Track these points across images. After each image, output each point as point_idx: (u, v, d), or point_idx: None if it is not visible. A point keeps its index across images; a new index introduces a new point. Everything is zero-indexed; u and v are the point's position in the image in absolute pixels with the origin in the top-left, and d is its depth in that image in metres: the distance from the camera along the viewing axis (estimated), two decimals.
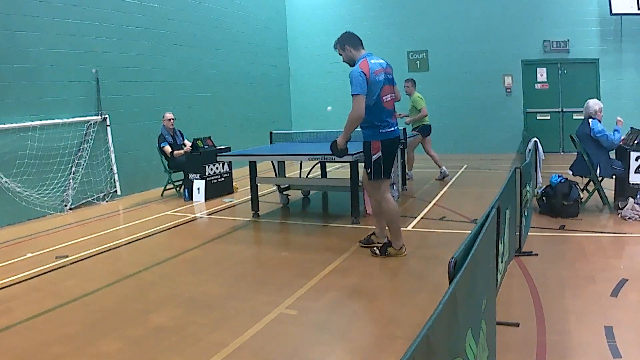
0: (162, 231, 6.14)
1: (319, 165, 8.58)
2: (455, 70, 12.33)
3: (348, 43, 4.45)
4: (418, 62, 12.78)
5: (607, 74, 11.14)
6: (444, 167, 8.78)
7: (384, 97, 4.33)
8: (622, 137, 5.90)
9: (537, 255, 4.37)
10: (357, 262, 4.56)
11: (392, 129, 4.45)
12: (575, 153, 6.13)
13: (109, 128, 8.36)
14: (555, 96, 11.71)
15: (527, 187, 4.60)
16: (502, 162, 10.32)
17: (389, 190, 4.61)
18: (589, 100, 5.97)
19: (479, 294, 1.86)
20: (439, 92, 12.53)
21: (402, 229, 5.55)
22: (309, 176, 8.53)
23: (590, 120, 5.82)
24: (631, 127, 6.05)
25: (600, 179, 5.94)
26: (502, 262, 3.03)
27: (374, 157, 4.43)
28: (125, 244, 5.62)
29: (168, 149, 8.17)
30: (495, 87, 12.10)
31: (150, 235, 5.94)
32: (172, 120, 8.37)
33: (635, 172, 5.60)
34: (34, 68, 7.29)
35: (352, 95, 4.21)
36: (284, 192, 7.34)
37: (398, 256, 4.52)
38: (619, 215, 5.55)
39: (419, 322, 2.99)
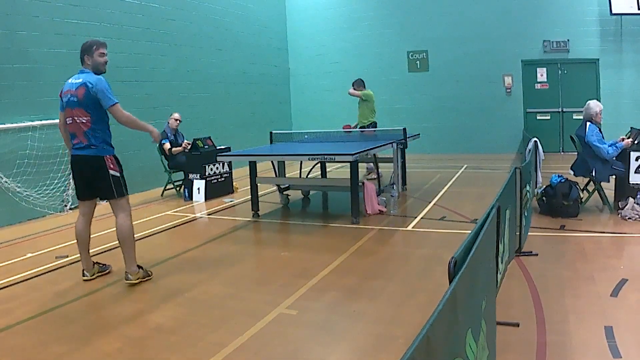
0: (162, 231, 6.14)
1: (319, 165, 8.60)
2: (455, 70, 12.33)
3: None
4: (418, 62, 12.77)
5: (607, 74, 11.14)
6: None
7: (67, 119, 4.40)
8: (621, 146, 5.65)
9: (537, 255, 4.37)
10: (357, 262, 4.56)
11: (75, 148, 4.35)
12: (576, 153, 6.12)
13: None
14: (555, 96, 11.72)
15: (527, 187, 4.60)
16: (502, 162, 10.32)
17: (80, 212, 4.51)
18: (589, 102, 5.89)
19: (479, 294, 1.86)
20: (439, 92, 12.57)
21: (402, 229, 5.59)
22: (309, 176, 8.54)
23: (588, 124, 5.73)
24: (631, 127, 6.03)
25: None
26: (502, 262, 3.03)
27: None
28: None
29: (168, 145, 8.17)
30: (495, 87, 12.10)
31: (150, 235, 5.94)
32: (178, 122, 8.40)
33: (635, 172, 5.59)
34: (34, 68, 7.28)
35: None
36: (284, 192, 7.34)
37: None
38: (619, 215, 5.55)
39: (419, 322, 2.99)
